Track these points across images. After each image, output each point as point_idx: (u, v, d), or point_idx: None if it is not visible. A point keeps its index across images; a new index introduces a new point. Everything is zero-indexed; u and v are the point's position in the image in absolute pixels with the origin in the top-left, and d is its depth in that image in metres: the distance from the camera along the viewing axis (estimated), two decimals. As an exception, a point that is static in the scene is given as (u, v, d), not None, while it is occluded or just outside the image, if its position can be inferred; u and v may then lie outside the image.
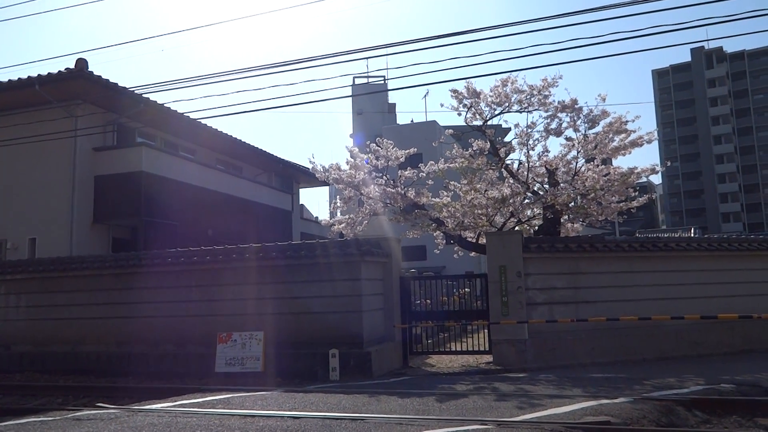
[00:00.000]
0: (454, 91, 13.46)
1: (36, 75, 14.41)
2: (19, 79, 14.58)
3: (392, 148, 14.38)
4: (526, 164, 13.74)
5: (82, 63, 14.14)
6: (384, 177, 14.19)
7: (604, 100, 13.64)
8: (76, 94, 14.86)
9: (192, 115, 15.77)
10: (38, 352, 12.07)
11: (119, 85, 14.84)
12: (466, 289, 13.23)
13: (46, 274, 12.32)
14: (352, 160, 14.46)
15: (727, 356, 11.17)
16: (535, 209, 14.09)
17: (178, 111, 16.10)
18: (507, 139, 17.51)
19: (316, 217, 32.11)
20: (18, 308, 12.55)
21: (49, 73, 14.34)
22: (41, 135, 14.07)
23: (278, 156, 23.49)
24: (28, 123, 14.60)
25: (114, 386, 9.93)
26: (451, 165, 14.40)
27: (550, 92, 13.22)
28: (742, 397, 7.11)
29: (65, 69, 14.23)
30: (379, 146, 14.44)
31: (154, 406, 7.30)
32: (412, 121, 47.06)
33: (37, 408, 8.19)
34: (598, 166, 13.30)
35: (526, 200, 13.74)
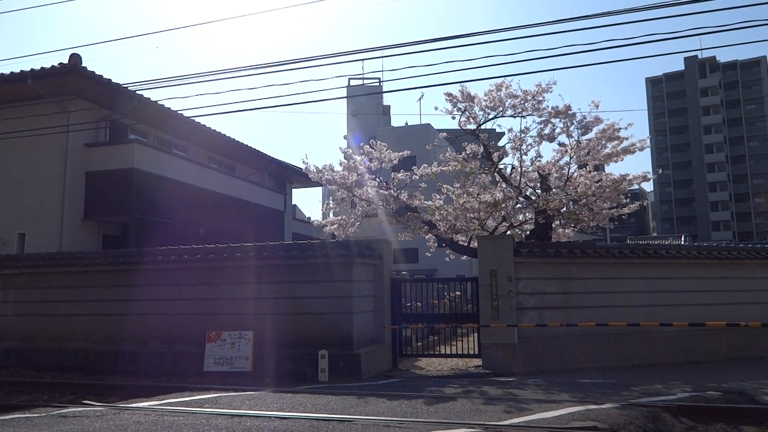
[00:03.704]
0: (449, 94, 13.49)
1: (29, 69, 14.30)
2: (11, 73, 14.47)
3: (386, 150, 14.40)
4: (519, 169, 13.79)
5: (75, 58, 14.05)
6: (377, 179, 14.20)
7: (597, 106, 13.72)
8: (69, 89, 14.76)
9: (186, 113, 15.79)
10: (25, 348, 11.97)
11: (113, 81, 14.76)
12: (457, 293, 13.25)
13: (35, 270, 12.23)
14: (346, 161, 14.46)
15: (715, 363, 11.24)
16: (527, 214, 14.14)
17: (172, 109, 16.07)
18: (500, 143, 17.52)
19: (309, 218, 32.08)
20: (5, 303, 12.44)
21: (42, 67, 14.24)
22: (33, 130, 13.98)
23: (272, 156, 23.47)
24: (19, 117, 14.50)
25: (101, 384, 9.85)
26: (444, 168, 14.43)
27: (543, 98, 13.31)
28: (728, 404, 7.16)
29: (58, 64, 14.14)
30: (373, 148, 14.45)
31: (141, 405, 7.26)
32: (406, 123, 47.06)
33: (23, 404, 8.11)
34: (590, 172, 13.36)
35: (518, 205, 13.78)
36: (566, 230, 14.92)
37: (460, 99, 13.45)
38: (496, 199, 13.16)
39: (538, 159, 13.85)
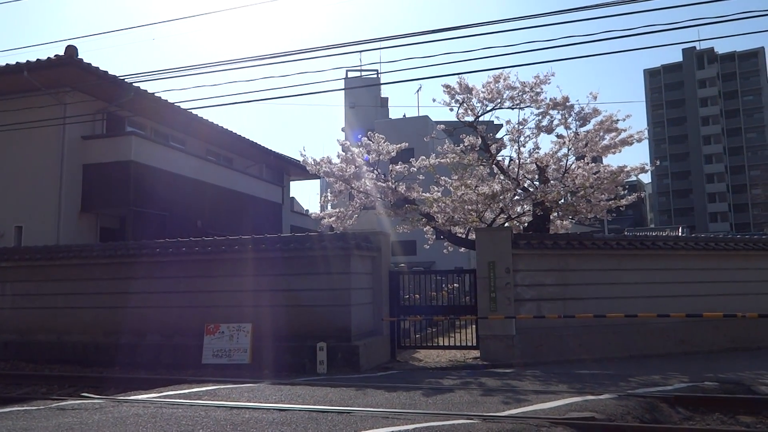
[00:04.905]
0: (447, 86, 13.45)
1: (25, 61, 14.21)
2: (7, 64, 14.39)
3: (384, 143, 14.36)
4: (517, 161, 13.77)
5: (71, 50, 13.96)
6: (375, 171, 14.18)
7: (595, 98, 13.67)
8: (65, 81, 14.67)
9: (183, 105, 15.64)
10: (24, 341, 11.96)
11: (109, 73, 14.69)
12: (455, 285, 13.27)
13: (33, 263, 12.20)
14: (344, 153, 14.42)
15: (712, 354, 11.29)
16: (525, 206, 14.14)
17: (169, 101, 15.98)
18: (498, 135, 17.51)
19: (307, 210, 32.04)
20: (3, 297, 12.42)
21: (38, 59, 14.14)
22: (29, 122, 13.91)
23: (269, 148, 23.41)
24: (16, 110, 14.42)
25: (100, 376, 9.87)
26: (442, 160, 14.40)
27: (542, 89, 13.26)
28: (725, 394, 7.19)
29: (54, 56, 14.05)
30: (371, 140, 14.41)
31: (139, 397, 7.27)
32: (404, 115, 46.99)
33: (21, 397, 8.12)
34: (588, 163, 13.35)
35: (516, 197, 13.77)
36: (564, 222, 14.93)
37: (458, 91, 13.41)
38: (494, 191, 13.14)
39: (536, 151, 13.84)
